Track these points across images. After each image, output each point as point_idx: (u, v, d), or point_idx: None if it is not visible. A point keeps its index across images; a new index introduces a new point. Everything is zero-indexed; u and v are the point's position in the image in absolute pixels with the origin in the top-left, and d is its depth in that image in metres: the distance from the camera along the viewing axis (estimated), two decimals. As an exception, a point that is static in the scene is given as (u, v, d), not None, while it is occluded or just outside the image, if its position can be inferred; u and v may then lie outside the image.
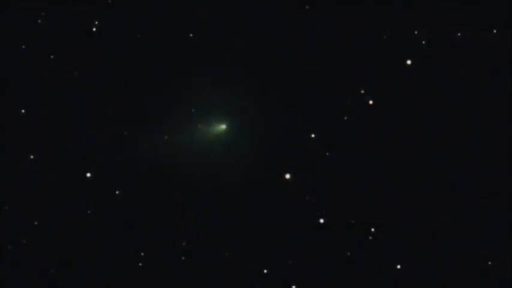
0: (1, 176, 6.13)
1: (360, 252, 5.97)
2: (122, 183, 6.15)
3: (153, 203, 6.12)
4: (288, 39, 6.07)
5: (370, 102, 6.02)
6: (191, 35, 6.15)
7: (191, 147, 6.12)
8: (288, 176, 6.03)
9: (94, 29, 6.20)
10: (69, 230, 6.13)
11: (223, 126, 6.07)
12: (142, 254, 6.09)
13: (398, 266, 5.92)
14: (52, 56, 6.22)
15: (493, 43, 5.95)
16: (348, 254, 5.97)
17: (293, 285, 5.99)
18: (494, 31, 5.94)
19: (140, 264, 6.08)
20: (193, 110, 6.14)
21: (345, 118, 6.04)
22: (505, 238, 5.85)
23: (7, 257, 6.09)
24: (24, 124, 6.19)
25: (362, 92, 6.03)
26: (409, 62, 5.99)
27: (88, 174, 6.16)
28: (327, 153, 6.06)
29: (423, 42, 6.00)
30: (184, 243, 6.09)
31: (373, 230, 5.97)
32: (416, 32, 6.00)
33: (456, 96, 5.97)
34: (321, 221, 6.00)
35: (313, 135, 6.06)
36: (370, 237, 5.97)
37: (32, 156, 6.18)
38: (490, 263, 5.85)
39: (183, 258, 6.08)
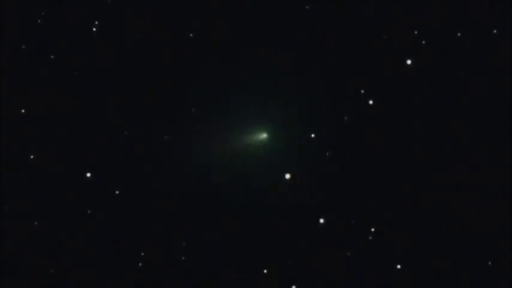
0: (1, 176, 6.13)
1: (360, 252, 5.97)
2: (122, 183, 6.15)
3: (153, 203, 6.12)
4: (287, 39, 6.07)
5: (370, 102, 6.02)
6: (191, 35, 6.15)
7: (189, 147, 6.13)
8: (288, 176, 6.03)
9: (94, 29, 6.21)
10: (69, 230, 6.13)
11: (264, 135, 6.08)
12: (142, 254, 6.09)
13: (398, 266, 5.92)
14: (52, 56, 6.23)
15: (493, 43, 5.95)
16: (348, 254, 5.97)
17: (293, 285, 5.99)
18: (494, 31, 5.95)
19: (140, 264, 6.08)
20: (193, 109, 6.15)
21: (345, 118, 6.05)
22: (505, 238, 5.85)
23: (7, 257, 6.10)
24: (24, 124, 6.19)
25: (362, 92, 6.03)
26: (409, 62, 5.99)
27: (88, 174, 6.16)
28: (327, 153, 6.06)
29: (423, 42, 6.00)
30: (184, 243, 6.09)
31: (373, 230, 5.97)
32: (416, 32, 6.00)
33: (456, 96, 5.97)
34: (321, 221, 6.01)
35: (313, 135, 6.06)
36: (370, 237, 5.97)
37: (32, 156, 6.18)
38: (490, 263, 5.85)
39: (183, 258, 6.08)
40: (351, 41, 6.03)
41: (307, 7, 6.08)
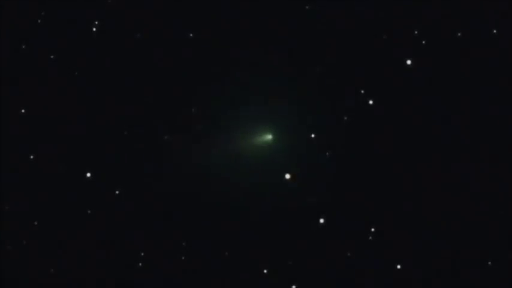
0: (1, 176, 6.13)
1: (360, 252, 5.97)
2: (122, 183, 6.15)
3: (153, 203, 6.12)
4: (287, 39, 6.07)
5: (370, 102, 6.02)
6: (191, 35, 6.15)
7: (189, 147, 6.13)
8: (288, 176, 6.03)
9: (94, 29, 6.21)
10: (69, 230, 6.13)
11: (267, 136, 6.08)
12: (142, 254, 6.09)
13: (399, 266, 5.92)
14: (52, 56, 6.23)
15: (493, 43, 5.95)
16: (348, 254, 5.97)
17: (293, 285, 5.99)
18: (494, 31, 5.94)
19: (140, 264, 6.08)
20: (193, 109, 6.15)
21: (345, 118, 6.05)
22: (505, 238, 5.85)
23: (7, 257, 6.10)
24: (24, 124, 6.19)
25: (362, 92, 6.03)
26: (409, 62, 5.99)
27: (88, 174, 6.16)
28: (327, 153, 6.06)
29: (423, 42, 6.00)
30: (184, 243, 6.09)
31: (373, 230, 5.97)
32: (416, 32, 6.00)
33: (456, 96, 5.97)
34: (321, 221, 6.01)
35: (313, 135, 6.06)
36: (370, 237, 5.97)
37: (32, 156, 6.18)
38: (490, 263, 5.85)
39: (183, 258, 6.08)
40: (351, 41, 6.03)
41: (307, 7, 6.08)
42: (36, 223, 6.14)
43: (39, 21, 6.24)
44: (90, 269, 6.07)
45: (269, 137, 6.06)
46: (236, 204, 6.06)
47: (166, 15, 6.16)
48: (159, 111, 6.16)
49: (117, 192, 6.16)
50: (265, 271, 6.02)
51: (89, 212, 6.14)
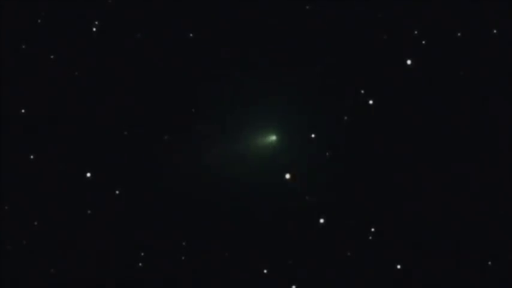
0: (1, 176, 6.13)
1: (360, 252, 5.97)
2: (122, 183, 6.15)
3: (153, 203, 6.12)
4: (287, 39, 6.07)
5: (370, 102, 6.02)
6: (191, 35, 6.15)
7: (188, 147, 6.13)
8: (288, 176, 6.03)
9: (94, 29, 6.21)
10: (69, 230, 6.13)
11: (272, 138, 6.08)
12: (142, 254, 6.09)
13: (399, 266, 5.92)
14: (52, 56, 6.23)
15: (493, 43, 5.95)
16: (348, 254, 5.97)
17: (293, 285, 5.99)
18: (494, 31, 5.95)
19: (140, 264, 6.08)
20: (193, 109, 6.15)
21: (345, 118, 6.05)
22: (505, 238, 5.85)
23: (7, 257, 6.10)
24: (24, 124, 6.19)
25: (362, 92, 6.03)
26: (409, 62, 5.99)
27: (88, 174, 6.16)
28: (327, 153, 6.06)
29: (423, 42, 6.00)
30: (184, 243, 6.09)
31: (373, 230, 5.97)
32: (416, 32, 6.00)
33: (456, 96, 5.98)
34: (321, 221, 6.01)
35: (313, 135, 6.06)
36: (370, 237, 5.97)
37: (32, 156, 6.18)
38: (490, 263, 5.85)
39: (183, 258, 6.08)
40: (351, 41, 6.03)
41: (307, 7, 6.08)
42: (36, 223, 6.14)
43: (39, 21, 6.24)
44: (90, 269, 6.07)
45: (273, 137, 6.06)
46: (236, 204, 6.06)
47: (166, 15, 6.16)
48: (159, 111, 6.16)
49: (117, 192, 6.16)
50: (265, 271, 6.02)
51: (89, 212, 6.14)
